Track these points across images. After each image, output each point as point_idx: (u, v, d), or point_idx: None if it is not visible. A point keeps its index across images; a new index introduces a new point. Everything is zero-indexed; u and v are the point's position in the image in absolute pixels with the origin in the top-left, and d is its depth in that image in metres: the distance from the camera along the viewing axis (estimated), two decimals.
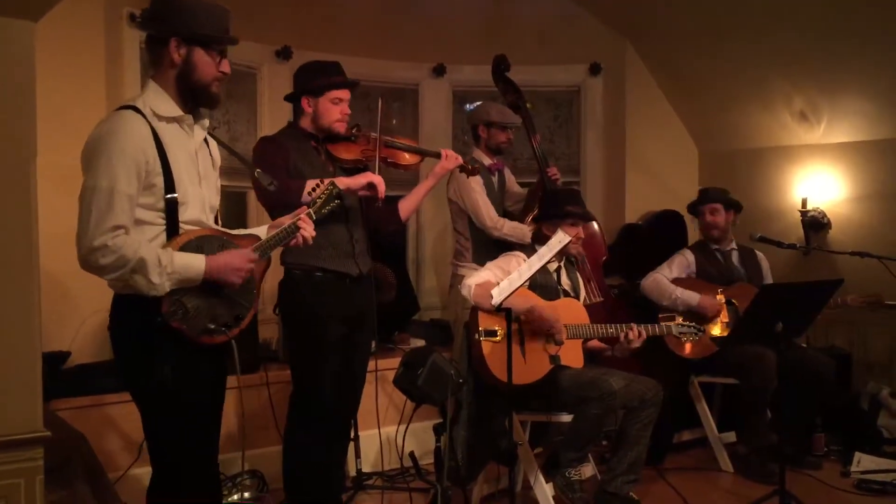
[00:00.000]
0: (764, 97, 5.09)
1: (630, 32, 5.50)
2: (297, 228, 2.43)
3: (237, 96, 4.77)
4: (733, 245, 4.54)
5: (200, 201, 2.34)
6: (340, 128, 3.25)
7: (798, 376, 4.00)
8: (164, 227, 2.25)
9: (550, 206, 3.78)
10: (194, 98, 2.34)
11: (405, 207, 3.42)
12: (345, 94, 3.25)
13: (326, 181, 2.62)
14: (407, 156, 3.43)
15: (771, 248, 4.56)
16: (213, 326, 2.27)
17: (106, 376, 3.55)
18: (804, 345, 4.61)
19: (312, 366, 3.19)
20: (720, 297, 4.21)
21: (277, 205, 2.90)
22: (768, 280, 4.54)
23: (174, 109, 2.31)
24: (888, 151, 4.68)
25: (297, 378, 3.27)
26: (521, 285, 3.26)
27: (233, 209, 4.68)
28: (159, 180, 2.22)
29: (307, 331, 3.21)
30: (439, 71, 5.41)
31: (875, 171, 4.77)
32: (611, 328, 3.55)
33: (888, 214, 4.70)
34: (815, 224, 4.98)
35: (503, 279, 3.31)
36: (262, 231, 2.49)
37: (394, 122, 5.49)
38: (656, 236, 5.40)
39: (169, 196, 2.23)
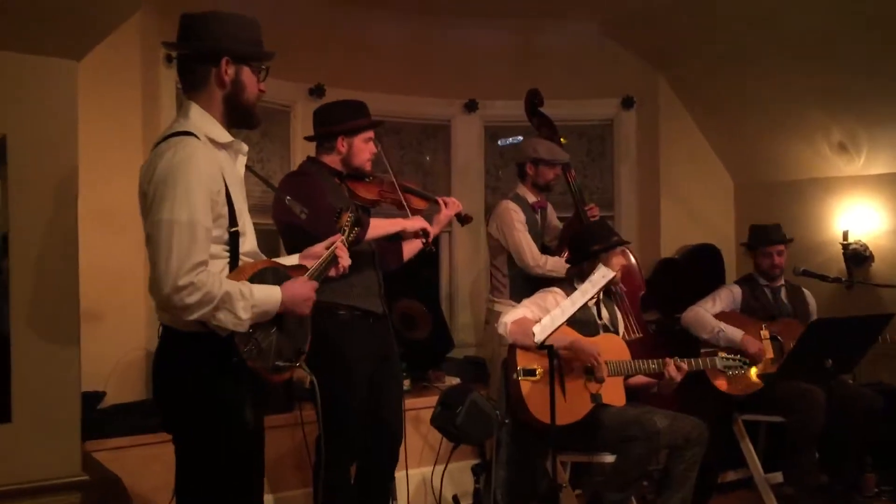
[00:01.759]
0: (801, 129, 5.02)
1: (663, 65, 5.47)
2: (337, 257, 2.38)
3: (271, 135, 4.79)
4: (782, 281, 4.45)
5: (252, 231, 2.25)
6: (369, 166, 3.29)
7: (847, 413, 3.88)
8: (228, 259, 2.13)
9: (581, 247, 3.71)
10: (240, 120, 2.23)
11: (409, 250, 3.42)
12: (372, 133, 3.30)
13: (346, 211, 2.58)
14: (418, 200, 3.45)
15: (812, 281, 4.46)
16: (281, 364, 2.15)
17: (142, 416, 3.51)
18: (850, 381, 4.48)
19: (339, 405, 3.12)
20: (765, 333, 4.11)
21: (305, 235, 2.85)
22: (814, 318, 4.42)
23: (225, 134, 2.19)
24: None
25: (323, 419, 3.21)
26: (564, 322, 3.19)
27: (267, 247, 4.65)
28: (226, 211, 2.10)
29: (332, 370, 3.14)
30: (471, 106, 5.42)
31: None
32: (652, 363, 3.48)
33: None
34: (856, 257, 4.87)
35: (540, 316, 3.25)
36: (293, 260, 2.42)
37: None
38: (693, 270, 5.31)
39: (233, 228, 2.12)
